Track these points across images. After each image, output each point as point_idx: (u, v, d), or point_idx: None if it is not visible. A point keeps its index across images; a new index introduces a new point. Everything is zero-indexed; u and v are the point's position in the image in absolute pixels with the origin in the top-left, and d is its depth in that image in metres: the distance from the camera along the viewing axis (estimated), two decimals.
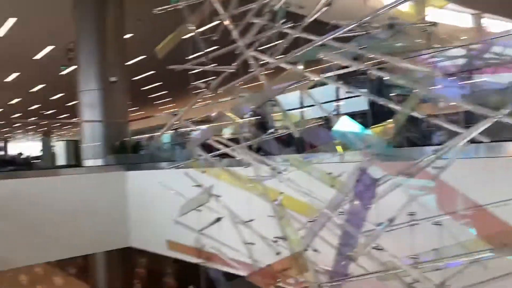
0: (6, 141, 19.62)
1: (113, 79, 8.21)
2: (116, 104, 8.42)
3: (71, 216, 6.03)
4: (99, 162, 7.77)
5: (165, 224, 5.46)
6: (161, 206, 5.71)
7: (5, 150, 14.17)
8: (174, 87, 21.34)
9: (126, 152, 7.90)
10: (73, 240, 6.10)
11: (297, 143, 3.13)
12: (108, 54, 8.45)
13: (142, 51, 14.59)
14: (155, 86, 21.35)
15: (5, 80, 18.51)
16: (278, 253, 2.24)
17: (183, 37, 2.94)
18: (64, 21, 9.28)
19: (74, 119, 8.42)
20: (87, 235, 6.15)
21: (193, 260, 4.65)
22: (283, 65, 2.18)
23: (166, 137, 10.90)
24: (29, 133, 38.84)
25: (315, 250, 2.21)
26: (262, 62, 2.26)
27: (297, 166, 2.30)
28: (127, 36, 9.45)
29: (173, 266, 18.08)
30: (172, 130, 8.83)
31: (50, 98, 23.21)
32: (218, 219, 2.38)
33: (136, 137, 9.34)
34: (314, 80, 2.15)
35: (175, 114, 2.74)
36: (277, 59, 2.16)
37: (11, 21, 11.46)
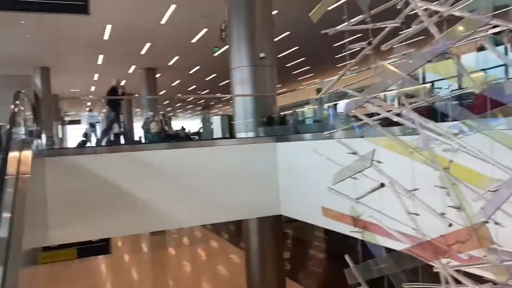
0: (169, 118, 22.11)
1: (262, 55, 8.50)
2: (265, 79, 8.73)
3: (227, 183, 6.51)
4: (250, 134, 8.21)
5: (315, 193, 5.51)
6: (311, 176, 5.77)
7: (169, 126, 15.96)
8: (317, 62, 21.30)
9: (275, 125, 8.18)
10: (228, 205, 6.60)
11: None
12: (257, 32, 8.75)
13: (286, 28, 14.80)
14: (299, 62, 21.55)
15: (169, 64, 20.75)
16: (450, 225, 2.03)
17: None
18: (217, 3, 9.90)
19: (229, 95, 8.96)
20: (241, 201, 6.59)
21: (345, 230, 4.60)
22: (459, 13, 1.91)
23: (309, 112, 10.95)
24: (188, 112, 43.28)
25: (497, 223, 1.93)
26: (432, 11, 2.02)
27: (478, 130, 2.02)
28: (274, 12, 9.64)
29: (322, 235, 18.40)
30: (318, 104, 8.80)
31: (205, 79, 25.32)
32: (382, 185, 2.24)
33: (283, 112, 9.58)
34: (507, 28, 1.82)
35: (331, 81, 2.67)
36: (453, 6, 1.89)
37: (171, 8, 12.69)
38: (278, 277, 8.79)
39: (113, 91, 10.24)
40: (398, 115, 2.45)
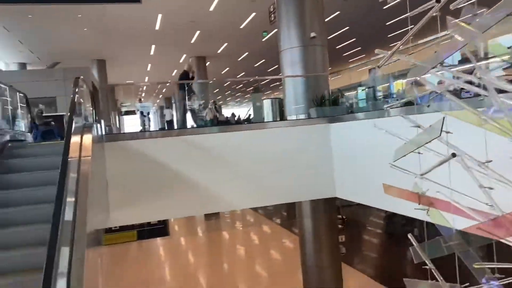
0: (220, 106, 22.35)
1: (313, 34, 8.29)
2: (316, 60, 8.52)
3: (279, 166, 6.46)
4: (302, 116, 8.08)
5: (373, 173, 5.33)
6: (369, 155, 5.57)
7: (220, 112, 16.12)
8: (368, 42, 20.57)
9: (327, 106, 7.98)
10: (281, 188, 6.55)
11: None
12: (307, 11, 8.54)
13: (336, 8, 14.38)
14: (349, 43, 20.94)
15: (218, 52, 20.89)
16: None
17: None
18: None
19: (280, 76, 8.83)
20: (295, 184, 6.52)
21: (407, 210, 4.40)
22: None
23: (363, 93, 10.60)
24: (237, 100, 43.59)
25: None
26: None
27: None
28: None
29: (377, 220, 17.97)
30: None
31: (254, 65, 25.28)
32: (453, 155, 2.07)
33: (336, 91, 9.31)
34: None
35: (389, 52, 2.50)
36: None
37: None
38: (334, 261, 8.67)
39: (184, 75, 10.51)
40: (469, 83, 2.26)
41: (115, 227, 7.49)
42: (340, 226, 13.93)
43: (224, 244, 17.65)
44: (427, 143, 2.21)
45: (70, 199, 3.71)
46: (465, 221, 2.54)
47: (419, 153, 2.73)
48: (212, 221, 19.74)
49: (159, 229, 8.26)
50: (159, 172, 6.01)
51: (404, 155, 2.76)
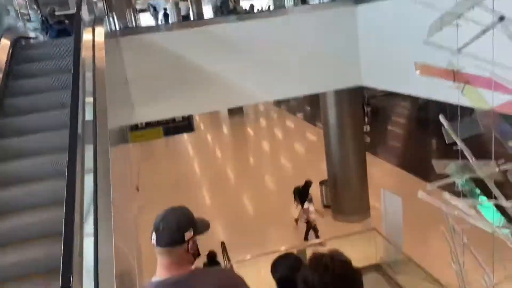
0: None
1: None
2: None
3: (302, 54, 6.12)
4: (325, 0, 7.48)
5: (403, 55, 4.99)
6: (399, 37, 5.17)
7: (238, 3, 15.30)
8: None
9: None
10: (305, 78, 6.31)
11: None
12: None
13: None
14: None
15: None
16: None
17: None
18: None
19: None
20: (319, 73, 6.24)
21: (438, 94, 4.18)
22: None
23: None
24: None
25: None
26: None
27: None
28: None
29: (403, 110, 17.76)
30: None
31: None
32: (501, 18, 1.81)
33: None
34: None
35: None
36: None
37: None
38: (358, 150, 8.73)
39: None
40: None
41: (141, 124, 7.59)
42: (365, 117, 13.86)
43: (249, 139, 18.05)
44: (468, 8, 1.93)
45: (88, 100, 3.65)
46: (506, 98, 2.34)
47: (457, 26, 2.45)
48: (236, 118, 19.97)
49: (184, 125, 8.34)
50: (179, 66, 5.84)
51: (441, 29, 2.49)
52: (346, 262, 1.44)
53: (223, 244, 7.58)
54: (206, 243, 2.38)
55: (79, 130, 3.16)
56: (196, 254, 1.80)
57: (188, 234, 1.72)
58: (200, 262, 3.42)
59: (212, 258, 6.62)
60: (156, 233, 1.69)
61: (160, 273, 1.74)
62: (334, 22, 6.20)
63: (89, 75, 3.84)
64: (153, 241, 1.70)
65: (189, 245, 1.73)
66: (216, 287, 1.74)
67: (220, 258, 7.11)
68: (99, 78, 3.98)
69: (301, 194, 8.70)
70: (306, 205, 8.32)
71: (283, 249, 6.87)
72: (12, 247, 3.03)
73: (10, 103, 4.20)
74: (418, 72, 2.89)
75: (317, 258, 1.46)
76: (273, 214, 9.48)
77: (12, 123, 4.01)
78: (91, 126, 3.19)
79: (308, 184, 8.72)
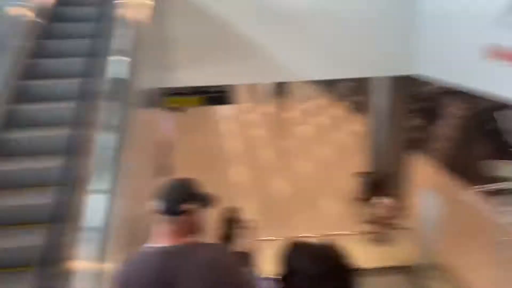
0: None
1: None
2: None
3: (354, 32, 5.71)
4: None
5: (471, 41, 4.44)
6: (467, 18, 4.62)
7: None
8: None
9: None
10: (352, 60, 5.88)
11: None
12: None
13: None
14: None
15: None
16: None
17: None
18: None
19: None
20: (370, 56, 5.80)
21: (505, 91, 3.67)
22: None
23: None
24: None
25: None
26: None
27: None
28: None
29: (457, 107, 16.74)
30: None
31: None
32: None
33: None
34: None
35: None
36: None
37: None
38: (400, 147, 8.26)
39: None
40: None
41: (178, 91, 7.43)
42: (412, 114, 13.08)
43: (287, 121, 17.66)
44: None
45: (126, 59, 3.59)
46: None
47: None
48: (279, 100, 19.55)
49: (223, 97, 8.12)
50: (222, 32, 5.59)
51: None
52: (337, 256, 1.39)
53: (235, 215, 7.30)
54: None
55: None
56: (196, 227, 1.83)
57: (185, 206, 1.75)
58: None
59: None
60: (155, 201, 1.78)
61: (152, 241, 1.80)
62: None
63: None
64: (151, 207, 1.79)
65: (186, 217, 1.77)
66: (206, 262, 1.73)
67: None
68: (138, 37, 3.93)
69: (377, 187, 7.45)
70: (385, 200, 7.29)
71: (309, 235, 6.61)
72: None
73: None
74: (490, 57, 2.48)
75: (304, 247, 1.46)
76: (308, 199, 9.22)
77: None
78: (112, 82, 3.15)
79: (381, 176, 7.57)
